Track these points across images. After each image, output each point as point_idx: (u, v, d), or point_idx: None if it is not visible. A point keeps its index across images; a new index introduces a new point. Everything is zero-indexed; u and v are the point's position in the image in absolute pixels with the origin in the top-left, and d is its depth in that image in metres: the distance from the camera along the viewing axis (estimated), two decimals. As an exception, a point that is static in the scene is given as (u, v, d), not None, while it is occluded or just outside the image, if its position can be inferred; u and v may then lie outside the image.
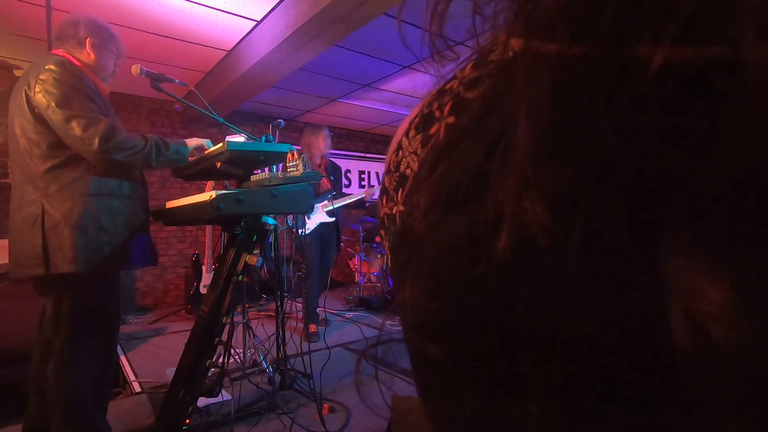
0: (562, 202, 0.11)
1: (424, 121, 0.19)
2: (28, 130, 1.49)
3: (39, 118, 1.47)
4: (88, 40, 1.61)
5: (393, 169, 0.21)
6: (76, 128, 1.43)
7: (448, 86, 0.18)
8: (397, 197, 0.20)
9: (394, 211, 0.20)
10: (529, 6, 0.13)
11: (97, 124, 1.45)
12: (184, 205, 1.62)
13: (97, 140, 1.44)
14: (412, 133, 0.19)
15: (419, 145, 0.19)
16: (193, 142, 1.74)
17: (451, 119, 0.17)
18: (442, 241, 0.15)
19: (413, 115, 0.20)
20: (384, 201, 0.21)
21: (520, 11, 0.14)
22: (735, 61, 0.09)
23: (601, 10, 0.11)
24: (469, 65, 0.17)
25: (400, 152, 0.20)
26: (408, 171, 0.19)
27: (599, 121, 0.11)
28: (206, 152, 1.70)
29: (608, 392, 0.11)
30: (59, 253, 1.46)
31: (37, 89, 1.46)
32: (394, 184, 0.20)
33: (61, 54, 1.58)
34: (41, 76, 1.46)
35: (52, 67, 1.47)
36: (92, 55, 1.63)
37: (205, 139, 1.80)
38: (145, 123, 4.54)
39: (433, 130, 0.18)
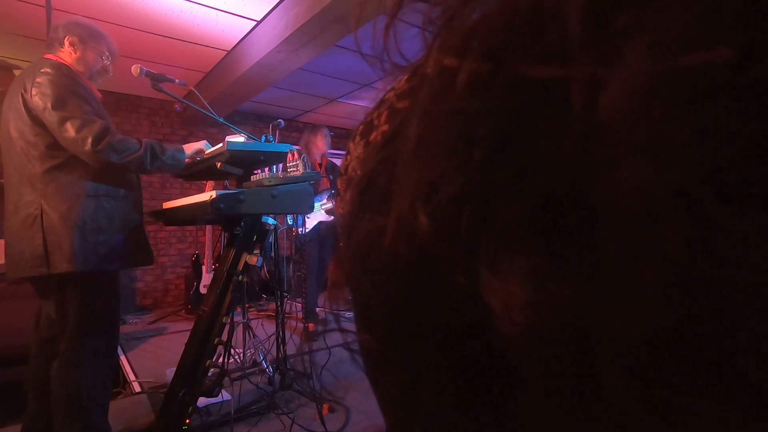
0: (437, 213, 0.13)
1: (366, 129, 0.21)
2: (26, 132, 1.50)
3: (36, 120, 1.49)
4: (66, 38, 1.62)
5: (343, 172, 0.23)
6: (70, 129, 1.44)
7: (386, 96, 0.20)
8: (345, 198, 0.21)
9: (342, 211, 0.22)
10: (448, 24, 0.15)
11: (91, 125, 1.46)
12: (184, 205, 1.62)
13: (90, 140, 1.44)
14: (357, 139, 0.21)
15: (362, 151, 0.21)
16: (190, 147, 1.74)
17: (385, 127, 0.18)
18: (356, 239, 0.17)
19: (360, 122, 0.22)
20: (338, 202, 0.23)
21: (442, 28, 0.15)
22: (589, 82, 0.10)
23: (508, 32, 0.12)
24: (405, 77, 0.19)
25: (348, 157, 0.22)
26: (353, 174, 0.21)
27: (460, 137, 0.12)
28: (206, 154, 1.70)
29: (467, 379, 0.14)
30: (57, 253, 1.47)
31: (33, 92, 1.47)
32: (344, 186, 0.22)
33: (54, 58, 1.60)
34: (37, 79, 1.48)
35: (48, 69, 1.49)
36: (73, 54, 1.63)
37: (202, 141, 1.80)
38: (145, 123, 4.54)
39: (372, 137, 0.19)
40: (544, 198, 0.11)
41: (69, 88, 1.49)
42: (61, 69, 1.51)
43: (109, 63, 1.74)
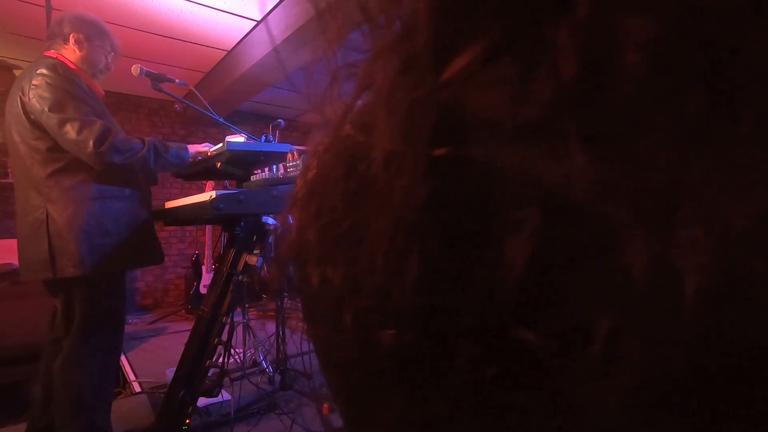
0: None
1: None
2: (27, 137, 1.50)
3: (36, 123, 1.47)
4: (71, 35, 1.60)
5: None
6: (70, 131, 1.43)
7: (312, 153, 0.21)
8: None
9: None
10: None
11: (92, 125, 1.45)
12: (184, 205, 1.62)
13: (91, 142, 1.43)
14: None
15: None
16: (194, 148, 1.73)
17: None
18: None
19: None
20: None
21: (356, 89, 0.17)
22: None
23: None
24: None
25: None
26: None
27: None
28: (209, 153, 1.70)
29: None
30: (64, 257, 1.47)
31: (31, 95, 1.45)
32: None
33: (53, 55, 1.58)
34: (34, 81, 1.46)
35: (44, 71, 1.47)
36: (77, 51, 1.61)
37: (206, 144, 1.79)
38: (145, 123, 4.54)
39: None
40: None
41: (66, 88, 1.47)
42: (56, 69, 1.49)
43: (111, 60, 1.72)
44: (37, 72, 1.47)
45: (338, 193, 0.16)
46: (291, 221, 0.20)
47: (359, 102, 0.17)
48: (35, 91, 1.45)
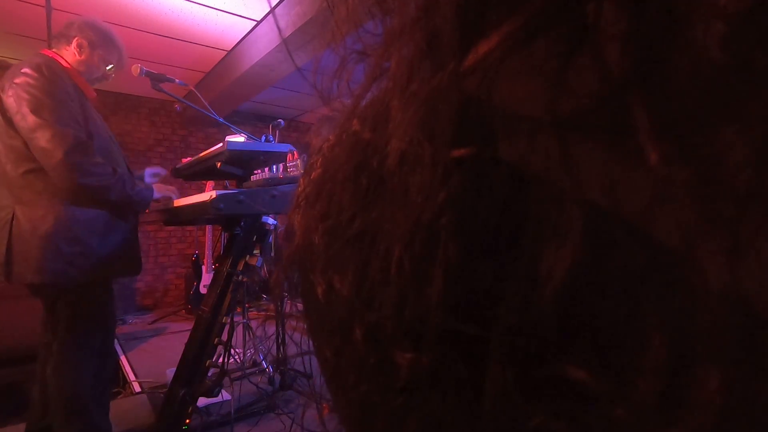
0: None
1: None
2: (2, 134, 1.45)
3: (10, 122, 1.42)
4: (75, 39, 1.57)
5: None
6: (40, 138, 1.37)
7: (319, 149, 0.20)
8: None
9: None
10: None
11: (64, 137, 1.38)
12: (184, 205, 1.62)
13: (60, 153, 1.36)
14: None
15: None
16: (161, 189, 1.69)
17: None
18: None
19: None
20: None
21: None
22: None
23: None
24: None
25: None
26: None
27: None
28: (174, 204, 1.67)
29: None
30: (24, 263, 1.41)
31: (9, 93, 1.40)
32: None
33: (48, 54, 1.54)
34: (16, 80, 1.41)
35: (27, 70, 1.42)
36: (77, 55, 1.58)
37: (173, 189, 1.75)
38: (145, 123, 4.54)
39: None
40: None
41: (47, 90, 1.41)
42: (41, 70, 1.42)
43: (111, 72, 1.69)
44: (21, 71, 1.42)
45: (348, 191, 0.15)
46: (294, 223, 0.18)
47: (369, 94, 0.15)
48: (15, 90, 1.40)
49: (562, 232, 0.09)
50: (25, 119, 1.38)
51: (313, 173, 0.18)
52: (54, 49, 1.59)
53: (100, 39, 1.62)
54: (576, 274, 0.09)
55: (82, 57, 1.59)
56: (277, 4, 2.69)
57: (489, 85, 0.11)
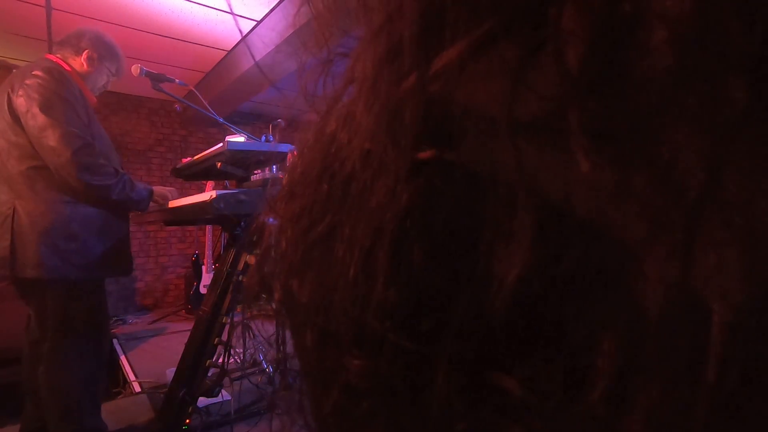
0: None
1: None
2: (7, 132, 1.48)
3: (18, 120, 1.46)
4: (86, 52, 1.61)
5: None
6: (50, 137, 1.41)
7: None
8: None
9: None
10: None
11: (73, 138, 1.43)
12: (184, 205, 1.62)
13: (69, 152, 1.41)
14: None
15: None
16: (160, 190, 1.73)
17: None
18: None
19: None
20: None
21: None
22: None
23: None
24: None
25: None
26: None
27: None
28: (169, 204, 1.70)
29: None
30: (24, 258, 1.44)
31: (20, 93, 1.44)
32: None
33: (55, 59, 1.58)
34: (26, 81, 1.45)
35: (39, 72, 1.46)
36: (85, 66, 1.62)
37: (171, 189, 1.79)
38: (145, 123, 4.54)
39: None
40: None
41: (58, 93, 1.46)
42: (51, 73, 1.48)
43: (111, 81, 1.75)
44: (32, 73, 1.46)
45: (315, 194, 0.15)
46: (273, 221, 0.18)
47: (346, 95, 0.15)
48: (25, 90, 1.44)
49: (514, 235, 0.09)
50: (36, 118, 1.42)
51: (295, 172, 0.18)
52: (59, 55, 1.62)
53: (107, 53, 1.68)
54: (527, 278, 0.09)
55: (90, 69, 1.63)
56: (277, 5, 2.70)
57: (451, 88, 0.11)
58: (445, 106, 0.11)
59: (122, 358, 2.86)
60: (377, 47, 0.13)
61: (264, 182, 1.60)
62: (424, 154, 0.11)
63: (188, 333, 1.72)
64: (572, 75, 0.09)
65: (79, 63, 1.61)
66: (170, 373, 1.75)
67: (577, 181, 0.09)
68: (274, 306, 0.18)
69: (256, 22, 2.93)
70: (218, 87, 3.69)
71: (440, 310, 0.11)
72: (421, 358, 0.11)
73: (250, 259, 1.63)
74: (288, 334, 0.20)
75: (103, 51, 1.65)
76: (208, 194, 1.40)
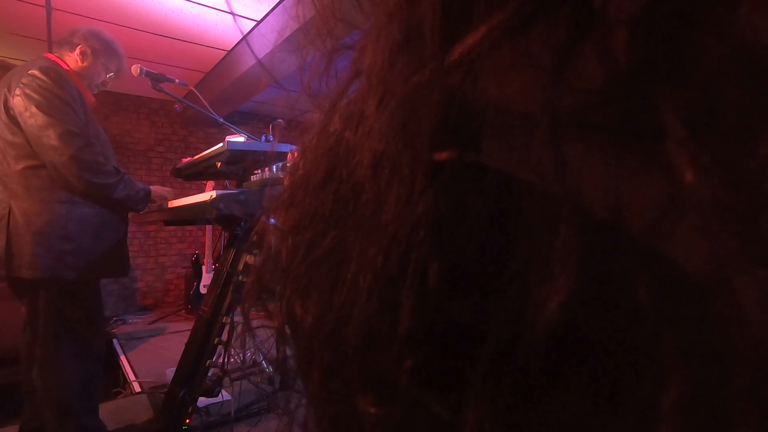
0: None
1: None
2: (3, 131, 1.48)
3: (14, 120, 1.46)
4: (79, 47, 1.61)
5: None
6: (51, 135, 1.41)
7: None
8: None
9: None
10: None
11: (74, 136, 1.43)
12: (184, 205, 1.62)
13: (71, 151, 1.41)
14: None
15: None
16: (158, 190, 1.73)
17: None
18: None
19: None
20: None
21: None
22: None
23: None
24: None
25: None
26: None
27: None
28: (169, 204, 1.70)
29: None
30: (19, 258, 1.44)
31: (17, 92, 1.44)
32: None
33: (52, 58, 1.58)
34: (23, 80, 1.45)
35: (36, 72, 1.46)
36: (79, 62, 1.62)
37: (169, 191, 1.79)
38: (145, 123, 4.54)
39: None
40: None
41: (55, 92, 1.45)
42: (48, 72, 1.47)
43: (109, 79, 1.73)
44: (29, 72, 1.46)
45: (319, 202, 0.13)
46: (274, 225, 0.16)
47: (353, 90, 0.13)
48: (22, 89, 1.43)
49: (556, 255, 0.08)
50: (35, 118, 1.41)
51: (296, 175, 0.16)
52: (56, 54, 1.62)
53: (102, 47, 1.66)
54: (572, 306, 0.08)
55: (85, 64, 1.63)
56: (277, 5, 2.69)
57: (474, 81, 0.09)
58: (468, 100, 0.09)
59: (122, 358, 2.86)
60: (390, 34, 0.11)
61: (264, 182, 1.60)
62: (442, 155, 0.09)
63: (188, 333, 1.72)
64: (622, 63, 0.07)
65: (74, 59, 1.61)
66: (170, 373, 1.75)
67: (632, 188, 0.07)
68: (275, 326, 0.17)
69: (256, 22, 2.93)
70: (218, 87, 3.69)
71: (468, 346, 0.09)
72: (449, 407, 0.09)
73: (250, 259, 1.62)
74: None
75: (98, 46, 1.64)
76: (208, 194, 1.40)
